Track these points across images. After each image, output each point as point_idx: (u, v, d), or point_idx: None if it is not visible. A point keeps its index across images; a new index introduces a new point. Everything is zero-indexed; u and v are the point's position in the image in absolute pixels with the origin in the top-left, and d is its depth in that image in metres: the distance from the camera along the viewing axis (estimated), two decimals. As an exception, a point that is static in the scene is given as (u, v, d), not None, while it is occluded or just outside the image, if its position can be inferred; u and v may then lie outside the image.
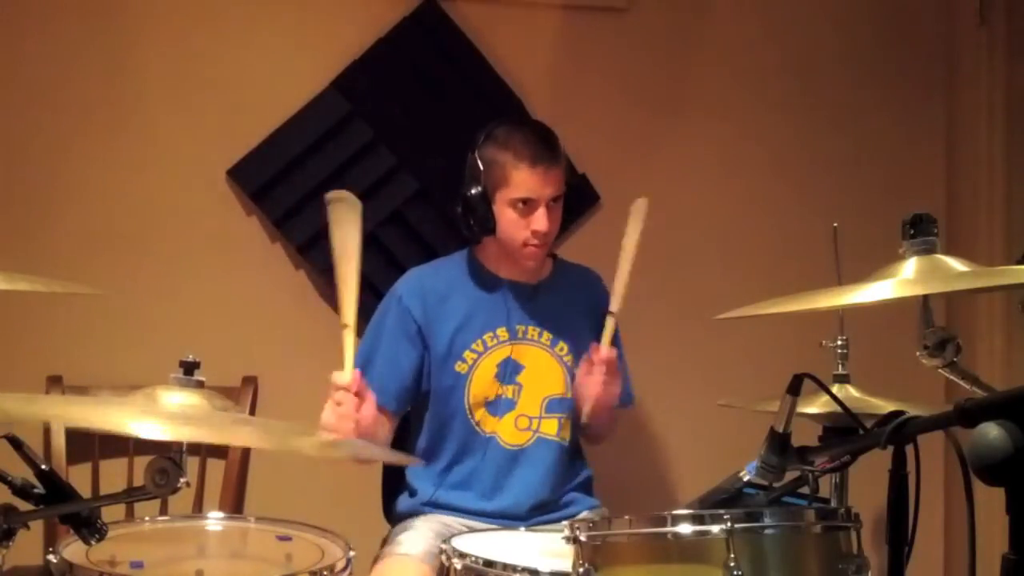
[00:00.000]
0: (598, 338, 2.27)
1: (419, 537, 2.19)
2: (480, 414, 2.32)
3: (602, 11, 3.08)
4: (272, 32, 2.93)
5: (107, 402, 1.48)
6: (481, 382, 2.31)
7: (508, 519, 2.28)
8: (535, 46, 3.05)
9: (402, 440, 2.43)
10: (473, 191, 2.26)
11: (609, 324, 2.26)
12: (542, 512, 2.32)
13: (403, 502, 2.38)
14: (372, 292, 2.85)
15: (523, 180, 2.23)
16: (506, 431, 2.32)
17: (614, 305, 2.26)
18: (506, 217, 2.26)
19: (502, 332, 2.33)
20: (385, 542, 2.28)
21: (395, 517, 2.38)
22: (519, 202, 2.24)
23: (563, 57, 3.06)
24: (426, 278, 2.38)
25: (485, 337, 2.32)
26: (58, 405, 1.55)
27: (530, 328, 2.35)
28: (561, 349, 2.36)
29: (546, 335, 2.36)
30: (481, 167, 2.27)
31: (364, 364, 2.31)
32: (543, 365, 2.35)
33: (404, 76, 2.96)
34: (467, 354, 2.31)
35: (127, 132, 2.86)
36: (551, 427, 2.34)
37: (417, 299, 2.33)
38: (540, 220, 2.25)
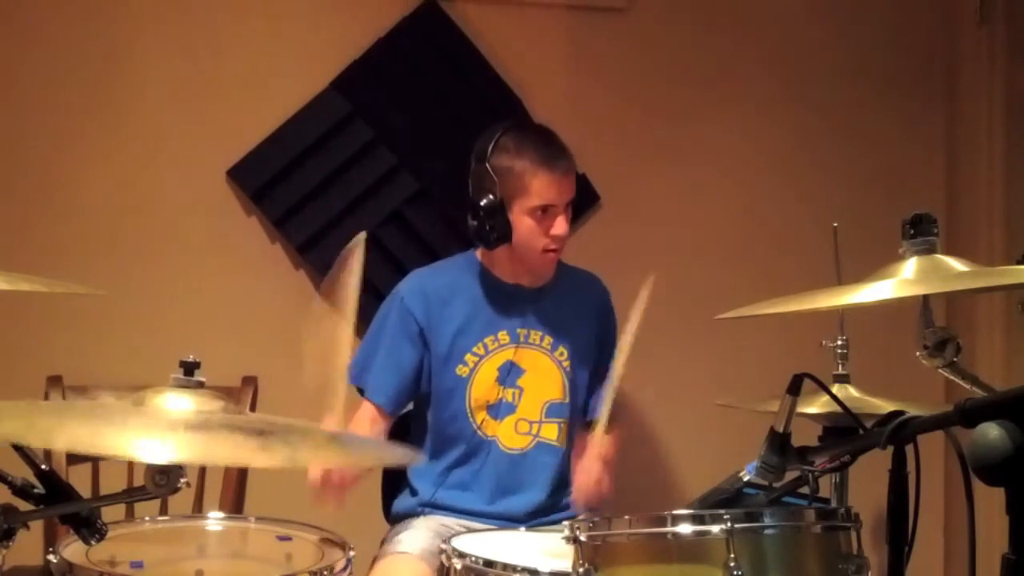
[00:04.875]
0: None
1: (418, 536, 2.20)
2: (481, 417, 2.31)
3: (602, 11, 3.08)
4: (272, 32, 2.94)
5: (108, 421, 1.46)
6: (482, 385, 2.31)
7: (507, 521, 2.28)
8: (535, 46, 3.05)
9: (403, 442, 2.43)
10: (487, 201, 2.24)
11: (605, 410, 2.15)
12: (541, 516, 2.32)
13: (403, 502, 2.38)
14: (372, 293, 2.85)
15: (543, 188, 2.23)
16: (506, 435, 2.32)
17: (615, 381, 2.15)
18: (524, 225, 2.25)
19: (504, 336, 2.33)
20: (384, 542, 2.28)
21: (394, 517, 2.38)
22: (538, 210, 2.24)
23: (563, 57, 3.06)
24: (428, 280, 2.38)
25: (487, 340, 2.32)
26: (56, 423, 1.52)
27: (532, 332, 2.35)
28: (561, 354, 2.36)
29: (547, 339, 2.35)
30: (495, 177, 2.24)
31: (364, 363, 2.31)
32: (544, 369, 2.35)
33: (404, 76, 2.96)
34: (468, 357, 2.31)
35: (127, 132, 2.87)
36: (551, 432, 2.34)
37: (419, 300, 2.33)
38: (560, 225, 2.25)
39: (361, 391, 2.33)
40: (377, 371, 2.30)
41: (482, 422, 2.31)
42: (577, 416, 2.39)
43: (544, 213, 2.24)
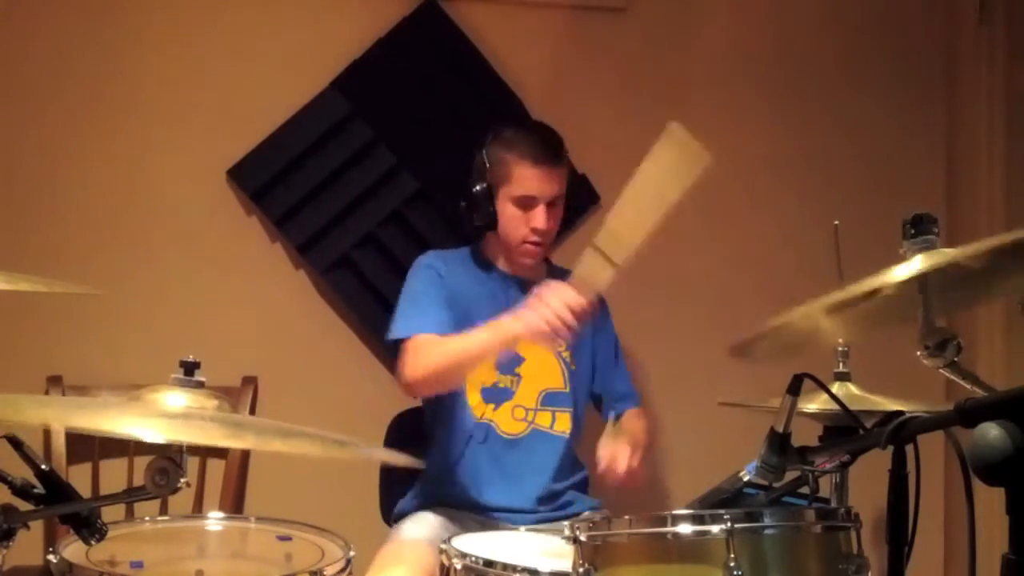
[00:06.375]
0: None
1: (424, 524, 2.24)
2: (476, 400, 2.35)
3: (602, 11, 3.08)
4: (272, 32, 2.93)
5: (108, 405, 1.47)
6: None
7: (513, 512, 2.30)
8: (535, 46, 3.05)
9: (416, 435, 2.45)
10: (478, 187, 2.33)
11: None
12: (543, 504, 2.34)
13: (406, 499, 2.40)
14: (372, 293, 2.86)
15: (525, 178, 2.29)
16: (503, 420, 2.36)
17: (618, 258, 2.13)
18: (507, 213, 2.32)
19: None
20: (390, 533, 2.30)
21: (397, 515, 2.39)
22: (520, 199, 2.30)
23: (563, 57, 3.06)
24: (441, 255, 2.44)
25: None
26: (59, 408, 1.54)
27: None
28: (559, 345, 2.37)
29: None
30: (487, 164, 2.34)
31: (408, 313, 2.30)
32: (542, 359, 2.38)
33: (404, 76, 2.96)
34: None
35: (127, 132, 2.87)
36: (546, 419, 2.38)
37: (440, 264, 2.39)
38: (539, 218, 2.30)
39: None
40: (427, 312, 2.29)
41: (477, 405, 2.34)
42: (583, 405, 2.44)
43: (525, 203, 2.30)
